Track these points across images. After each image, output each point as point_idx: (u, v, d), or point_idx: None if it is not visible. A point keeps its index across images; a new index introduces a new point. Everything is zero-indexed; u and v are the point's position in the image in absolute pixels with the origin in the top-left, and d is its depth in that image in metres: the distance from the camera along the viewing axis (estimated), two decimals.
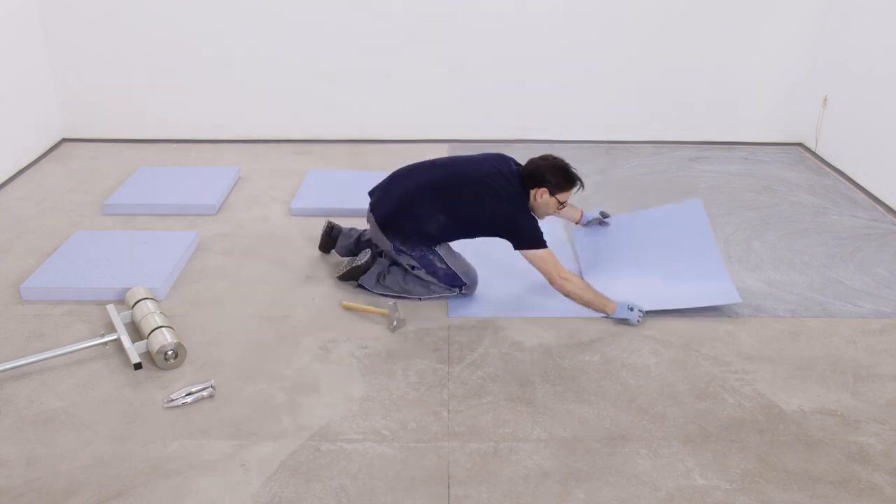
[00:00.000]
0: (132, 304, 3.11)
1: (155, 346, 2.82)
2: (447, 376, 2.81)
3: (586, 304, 3.18)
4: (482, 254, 3.68)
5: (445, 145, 5.17)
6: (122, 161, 4.88)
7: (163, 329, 2.87)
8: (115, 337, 2.92)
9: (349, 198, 4.26)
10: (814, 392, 2.77)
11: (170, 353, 2.82)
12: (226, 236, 3.90)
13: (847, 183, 4.67)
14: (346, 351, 2.96)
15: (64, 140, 5.23)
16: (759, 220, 4.15)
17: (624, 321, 3.15)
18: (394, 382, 2.78)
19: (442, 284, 3.27)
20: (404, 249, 3.24)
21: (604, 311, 3.17)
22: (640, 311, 3.16)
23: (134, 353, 2.81)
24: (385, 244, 3.28)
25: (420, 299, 3.32)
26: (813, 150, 5.17)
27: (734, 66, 5.11)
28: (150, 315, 2.97)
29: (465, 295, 3.32)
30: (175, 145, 5.20)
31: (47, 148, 5.05)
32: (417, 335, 3.06)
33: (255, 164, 4.85)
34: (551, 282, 3.16)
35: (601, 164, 4.92)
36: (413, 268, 3.27)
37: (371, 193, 3.38)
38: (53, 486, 2.30)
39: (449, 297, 3.32)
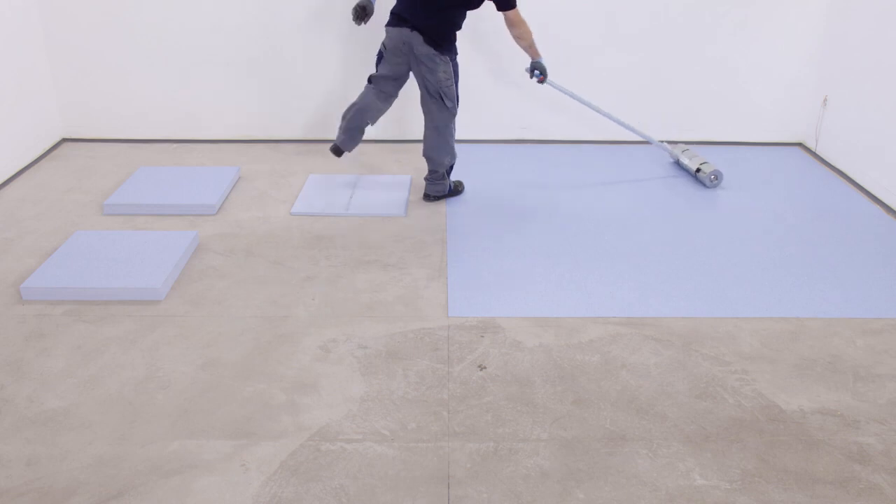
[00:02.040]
0: None
1: None
2: (447, 376, 2.82)
3: (528, 47, 4.12)
4: (486, 244, 3.69)
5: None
6: (122, 161, 4.88)
7: None
8: None
9: (349, 199, 4.28)
10: (814, 392, 2.77)
11: None
12: (226, 236, 3.90)
13: (847, 183, 4.67)
14: (346, 351, 2.96)
15: (64, 140, 5.23)
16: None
17: (537, 67, 4.19)
18: (394, 382, 2.78)
19: (455, 98, 4.08)
20: (452, 57, 4.03)
21: (535, 57, 4.16)
22: (544, 76, 4.25)
23: None
24: (443, 63, 3.98)
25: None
26: (813, 150, 5.17)
27: (734, 66, 5.11)
28: None
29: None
30: (175, 145, 5.20)
31: (47, 148, 5.05)
32: (417, 335, 3.07)
33: (255, 164, 4.85)
34: (515, 28, 4.02)
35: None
36: (450, 76, 4.02)
37: (394, 15, 4.03)
38: (53, 486, 2.30)
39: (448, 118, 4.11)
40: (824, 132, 5.04)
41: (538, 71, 4.18)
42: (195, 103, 5.17)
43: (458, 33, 4.08)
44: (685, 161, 4.72)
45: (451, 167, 4.29)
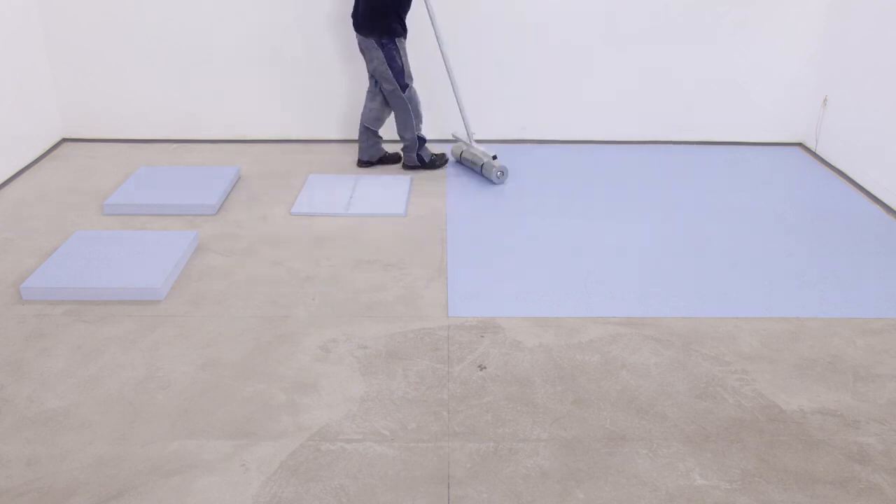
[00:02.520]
0: None
1: None
2: (447, 376, 2.82)
3: None
4: (486, 244, 3.69)
5: (446, 145, 5.17)
6: (122, 161, 4.88)
7: None
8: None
9: (349, 199, 4.28)
10: (814, 392, 2.77)
11: None
12: (226, 236, 3.90)
13: (847, 183, 4.67)
14: (346, 351, 2.96)
15: (64, 140, 5.23)
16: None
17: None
18: (394, 382, 2.78)
19: (394, 80, 4.47)
20: (385, 42, 4.38)
21: None
22: None
23: None
24: (373, 48, 4.41)
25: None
26: (813, 150, 5.17)
27: (734, 65, 5.11)
28: None
29: (410, 100, 4.55)
30: (175, 145, 5.20)
31: (47, 148, 5.05)
32: (417, 335, 3.07)
33: (255, 165, 4.86)
34: None
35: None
36: (383, 62, 4.43)
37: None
38: (53, 486, 2.30)
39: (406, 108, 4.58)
40: (824, 132, 5.04)
41: None
42: (195, 103, 5.17)
43: (401, 20, 4.41)
44: (468, 157, 4.79)
45: (421, 142, 4.72)
